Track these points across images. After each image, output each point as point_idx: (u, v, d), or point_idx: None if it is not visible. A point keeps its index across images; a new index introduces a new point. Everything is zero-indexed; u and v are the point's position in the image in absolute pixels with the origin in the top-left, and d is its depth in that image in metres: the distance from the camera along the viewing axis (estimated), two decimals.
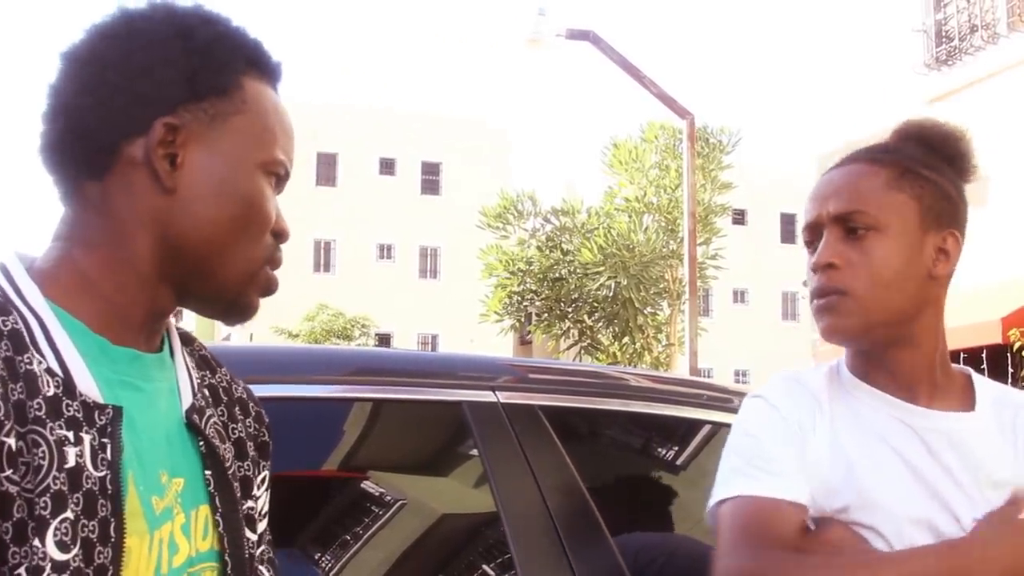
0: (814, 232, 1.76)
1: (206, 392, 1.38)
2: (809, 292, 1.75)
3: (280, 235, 1.33)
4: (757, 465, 1.69)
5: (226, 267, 1.27)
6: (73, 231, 1.25)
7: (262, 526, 1.43)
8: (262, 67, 1.34)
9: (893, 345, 1.73)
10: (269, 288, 1.33)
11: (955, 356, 12.08)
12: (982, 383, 1.81)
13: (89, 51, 1.26)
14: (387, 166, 50.69)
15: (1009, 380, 11.88)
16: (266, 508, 1.46)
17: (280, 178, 1.33)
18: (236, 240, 1.27)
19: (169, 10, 1.29)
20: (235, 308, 1.32)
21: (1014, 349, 11.11)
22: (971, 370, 1.84)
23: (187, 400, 1.32)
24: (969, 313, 12.29)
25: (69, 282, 1.21)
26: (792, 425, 1.72)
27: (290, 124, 1.36)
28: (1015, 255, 12.67)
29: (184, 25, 1.27)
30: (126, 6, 1.29)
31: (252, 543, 1.37)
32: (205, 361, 1.43)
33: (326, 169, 48.87)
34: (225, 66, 1.28)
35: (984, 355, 12.17)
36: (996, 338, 11.61)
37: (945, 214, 1.75)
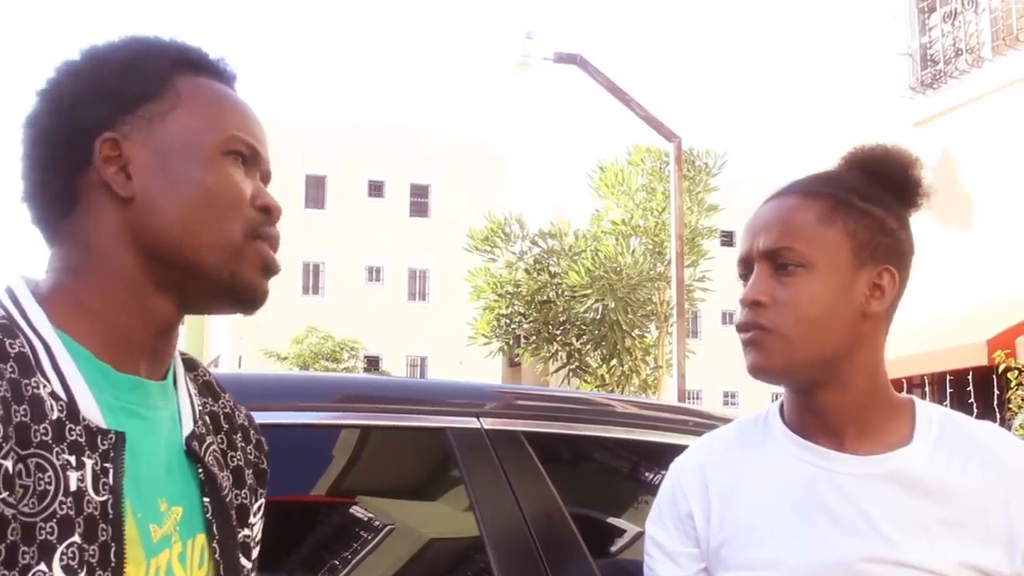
0: (747, 266, 1.73)
1: (207, 419, 1.39)
2: (735, 325, 1.72)
3: (268, 210, 1.33)
4: (649, 565, 1.83)
5: (203, 252, 1.27)
6: (61, 263, 1.28)
7: (255, 554, 1.44)
8: (197, 65, 1.35)
9: (821, 385, 1.68)
10: (267, 265, 1.33)
11: (941, 378, 12.13)
12: (926, 413, 1.73)
13: (33, 110, 1.31)
14: (376, 188, 50.71)
15: (995, 402, 11.91)
16: (259, 537, 1.47)
17: (247, 157, 1.34)
18: (205, 222, 1.27)
19: (92, 49, 1.34)
20: (236, 292, 1.31)
21: (1000, 371, 11.10)
22: (917, 400, 1.77)
23: (188, 427, 1.33)
24: (955, 335, 12.32)
25: (67, 308, 1.23)
26: (682, 506, 1.80)
27: (244, 105, 1.37)
28: (1000, 277, 12.70)
29: (102, 54, 1.32)
30: (58, 62, 1.34)
31: (247, 571, 1.39)
32: (208, 387, 1.44)
33: (315, 191, 48.89)
34: (148, 72, 1.30)
35: (970, 377, 12.19)
36: (982, 360, 11.60)
37: (881, 249, 1.69)
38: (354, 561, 2.27)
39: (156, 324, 1.29)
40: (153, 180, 1.27)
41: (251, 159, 1.34)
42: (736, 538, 1.72)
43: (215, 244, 1.28)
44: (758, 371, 1.69)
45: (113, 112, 1.28)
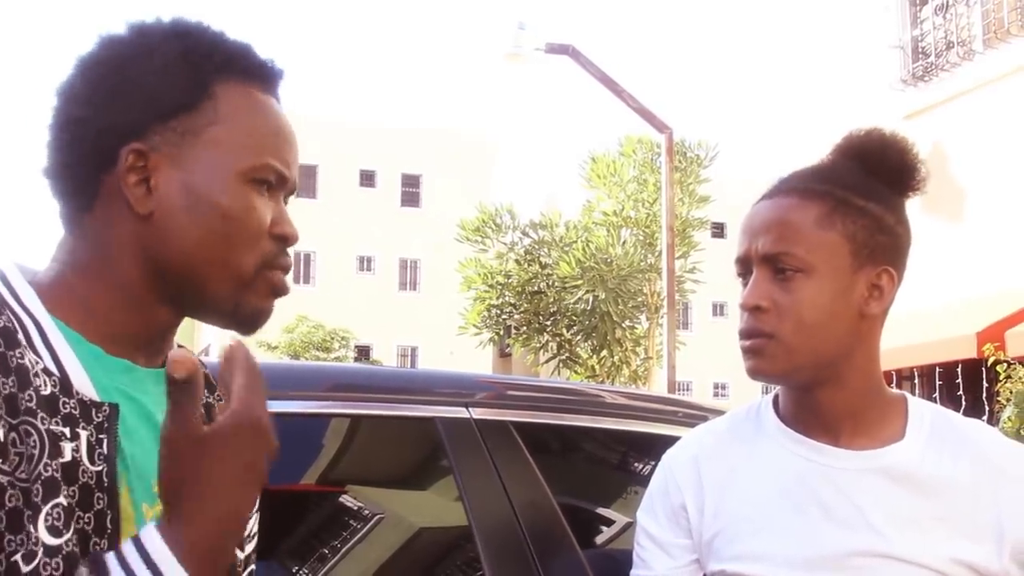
0: (745, 266, 1.72)
1: (202, 410, 1.40)
2: (738, 331, 1.71)
3: (285, 239, 1.31)
4: (640, 555, 1.83)
5: (214, 280, 1.27)
6: (68, 255, 1.27)
7: (249, 547, 1.45)
8: (243, 70, 1.31)
9: (820, 384, 1.69)
10: (276, 290, 1.32)
11: (930, 371, 12.15)
12: (918, 410, 1.74)
13: (69, 88, 1.28)
14: (367, 178, 50.57)
15: (984, 395, 11.94)
16: (255, 530, 1.47)
17: (272, 184, 1.31)
18: (219, 253, 1.26)
19: (140, 31, 1.30)
20: (239, 317, 1.31)
21: (989, 364, 11.15)
22: (909, 396, 1.78)
23: None
24: (944, 328, 12.35)
25: (66, 299, 1.23)
26: (675, 497, 1.81)
27: (283, 125, 1.34)
28: (991, 270, 12.74)
29: (149, 45, 1.27)
30: (103, 35, 1.29)
31: (240, 561, 1.39)
32: (204, 379, 1.45)
33: (306, 181, 48.64)
34: (192, 81, 1.27)
35: (959, 369, 12.23)
36: (971, 353, 11.65)
37: (879, 249, 1.69)
38: (343, 550, 2.28)
39: (155, 327, 1.30)
40: (174, 199, 1.25)
41: (277, 185, 1.32)
42: (729, 529, 1.73)
43: (225, 275, 1.27)
44: (759, 374, 1.69)
45: (147, 119, 1.25)
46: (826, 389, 1.70)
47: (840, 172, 1.74)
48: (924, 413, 1.74)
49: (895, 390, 1.80)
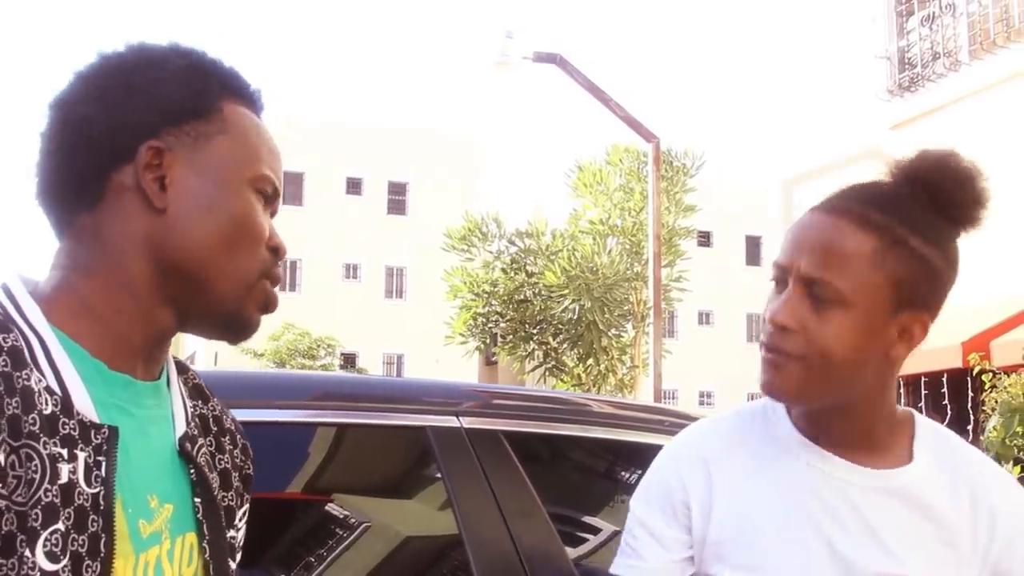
0: (782, 274, 1.65)
1: (197, 421, 1.40)
2: (759, 340, 1.68)
3: (277, 251, 1.36)
4: (631, 544, 1.77)
5: (221, 280, 1.29)
6: (70, 260, 1.28)
7: (238, 557, 1.46)
8: (240, 93, 1.38)
9: (833, 411, 1.67)
10: (268, 304, 1.35)
11: (916, 380, 12.13)
12: (924, 431, 1.74)
13: (71, 94, 1.30)
14: (353, 185, 50.60)
15: (969, 404, 11.98)
16: (242, 540, 1.48)
17: (269, 196, 1.36)
18: (229, 253, 1.29)
19: (142, 47, 1.34)
20: (234, 324, 1.34)
21: (974, 373, 11.19)
22: (915, 414, 1.76)
23: (180, 428, 1.34)
24: (930, 338, 12.35)
25: (70, 306, 1.24)
26: (678, 494, 1.75)
27: (275, 145, 1.40)
28: (975, 281, 12.78)
29: (156, 57, 1.32)
30: (104, 51, 1.33)
31: (234, 572, 1.40)
32: (198, 391, 1.46)
33: (292, 188, 48.64)
34: (201, 90, 1.32)
35: (944, 379, 12.27)
36: (956, 362, 11.70)
37: (920, 296, 1.63)
38: (333, 558, 2.28)
39: (155, 332, 1.30)
40: (188, 198, 1.28)
41: (271, 198, 1.37)
42: (740, 537, 1.70)
43: (234, 275, 1.30)
44: (772, 391, 1.66)
45: (161, 120, 1.28)
46: (838, 417, 1.68)
47: (902, 202, 1.65)
48: (928, 435, 1.73)
49: (902, 408, 1.77)
